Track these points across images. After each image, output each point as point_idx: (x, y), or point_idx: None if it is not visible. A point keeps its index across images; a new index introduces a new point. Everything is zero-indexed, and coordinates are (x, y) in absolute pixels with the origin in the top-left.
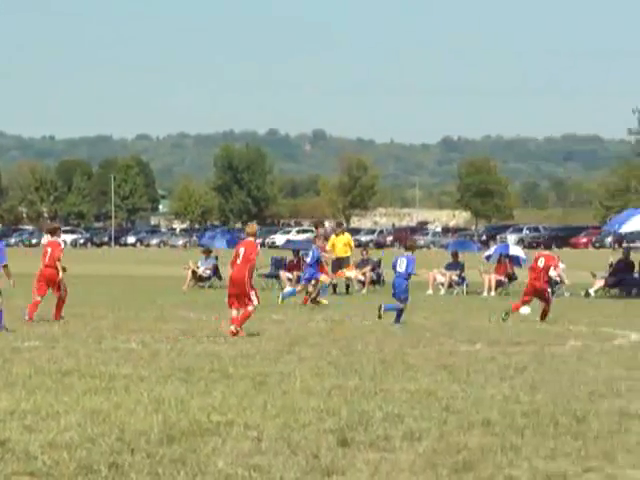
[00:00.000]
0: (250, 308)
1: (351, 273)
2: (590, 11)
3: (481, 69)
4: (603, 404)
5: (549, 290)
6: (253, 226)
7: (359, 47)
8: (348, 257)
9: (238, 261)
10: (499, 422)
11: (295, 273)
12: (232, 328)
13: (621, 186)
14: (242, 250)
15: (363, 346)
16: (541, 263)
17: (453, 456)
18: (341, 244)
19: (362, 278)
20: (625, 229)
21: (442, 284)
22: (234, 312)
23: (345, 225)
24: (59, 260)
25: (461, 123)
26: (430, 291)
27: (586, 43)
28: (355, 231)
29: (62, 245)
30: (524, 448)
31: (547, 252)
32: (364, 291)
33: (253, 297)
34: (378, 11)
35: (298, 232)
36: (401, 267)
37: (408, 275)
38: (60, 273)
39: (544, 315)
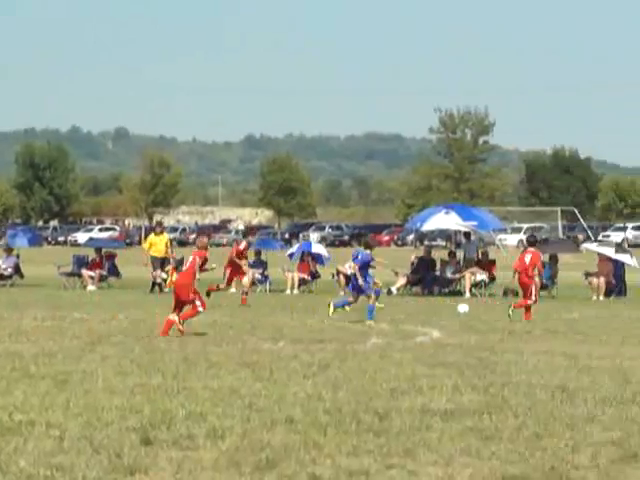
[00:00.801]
0: (198, 310)
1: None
2: (392, 12)
3: (282, 68)
4: (405, 401)
5: (533, 288)
6: (203, 241)
7: (156, 44)
8: (167, 257)
9: (184, 268)
10: (302, 420)
11: (98, 272)
12: (179, 327)
13: (422, 184)
14: (191, 258)
15: (166, 344)
16: (528, 259)
17: (256, 454)
18: (162, 244)
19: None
20: (427, 227)
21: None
22: (173, 316)
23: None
24: None
25: (264, 121)
26: (233, 289)
27: (386, 42)
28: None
29: None
30: (327, 445)
31: (533, 249)
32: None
33: (197, 303)
34: (183, 9)
35: (100, 230)
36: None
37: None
38: None
39: (527, 309)
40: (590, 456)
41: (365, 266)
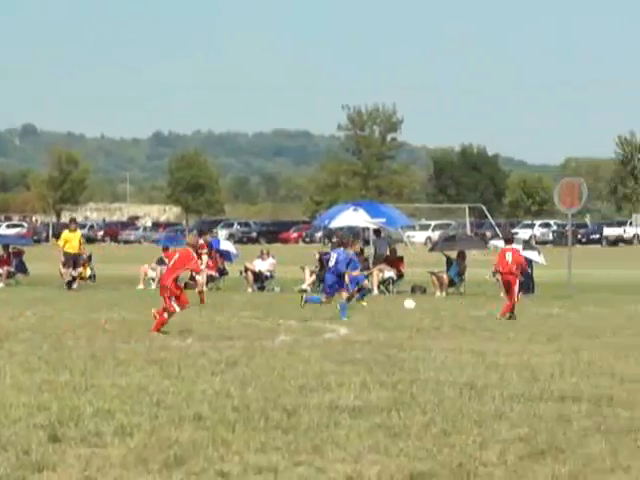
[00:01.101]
0: (173, 309)
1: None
2: (302, 8)
3: (190, 64)
4: (313, 398)
5: (516, 288)
6: (193, 237)
7: (72, 41)
8: (82, 254)
9: (169, 265)
10: (210, 417)
11: (5, 268)
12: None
13: (330, 181)
14: (176, 256)
15: (74, 341)
16: (509, 257)
17: (164, 451)
18: (76, 240)
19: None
20: (335, 224)
21: (153, 279)
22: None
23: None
24: None
25: (172, 118)
26: (141, 286)
27: (294, 39)
28: (66, 226)
29: None
30: (235, 442)
31: (512, 246)
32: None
33: (173, 303)
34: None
35: (8, 227)
36: (331, 262)
37: (341, 270)
38: None
39: (509, 310)
40: (498, 453)
41: (348, 264)
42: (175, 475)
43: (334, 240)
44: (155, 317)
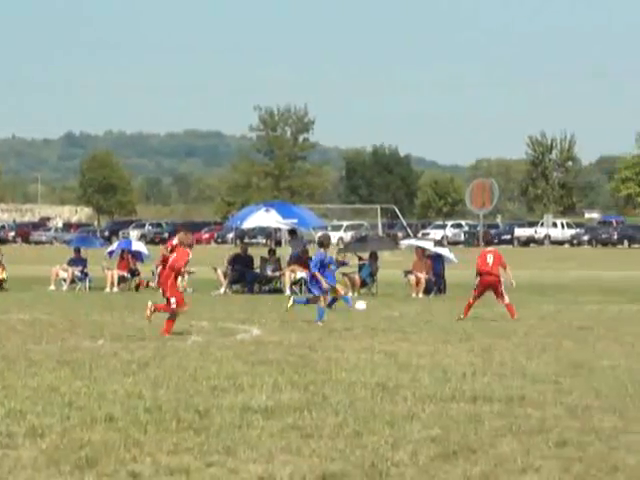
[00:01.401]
0: (172, 307)
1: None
2: (209, 9)
3: (101, 64)
4: (225, 399)
5: (502, 287)
6: (186, 236)
7: None
8: None
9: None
10: (122, 418)
11: None
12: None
13: (242, 182)
14: (174, 255)
15: None
16: (490, 260)
17: (76, 452)
18: None
19: None
20: (247, 225)
21: (64, 280)
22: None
23: None
24: None
25: (83, 119)
26: (52, 287)
27: (205, 39)
28: None
29: None
30: (147, 443)
31: (492, 248)
32: None
33: (172, 302)
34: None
35: None
36: (313, 264)
37: (313, 270)
38: None
39: (513, 310)
40: (410, 453)
41: (323, 265)
42: (87, 476)
43: (318, 240)
44: (149, 315)
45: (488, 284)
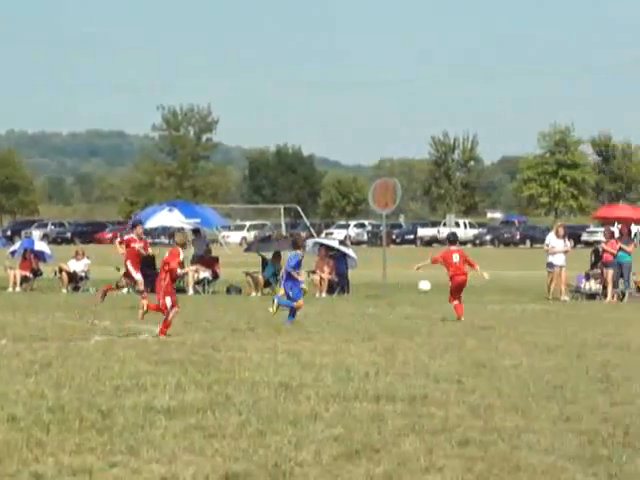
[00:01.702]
0: (171, 312)
1: None
2: (115, 6)
3: (3, 61)
4: (128, 399)
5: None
6: (181, 236)
7: None
8: None
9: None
10: (24, 418)
11: None
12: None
13: (145, 181)
14: (166, 255)
15: None
16: (457, 258)
17: None
18: None
19: None
20: (150, 224)
21: None
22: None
23: None
24: None
25: None
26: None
27: (110, 38)
28: None
29: None
30: (50, 444)
31: (456, 247)
32: None
33: (167, 302)
34: None
35: None
36: (288, 264)
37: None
38: None
39: (458, 311)
40: (313, 453)
41: (297, 267)
42: None
43: (291, 240)
44: (142, 313)
45: (460, 283)
